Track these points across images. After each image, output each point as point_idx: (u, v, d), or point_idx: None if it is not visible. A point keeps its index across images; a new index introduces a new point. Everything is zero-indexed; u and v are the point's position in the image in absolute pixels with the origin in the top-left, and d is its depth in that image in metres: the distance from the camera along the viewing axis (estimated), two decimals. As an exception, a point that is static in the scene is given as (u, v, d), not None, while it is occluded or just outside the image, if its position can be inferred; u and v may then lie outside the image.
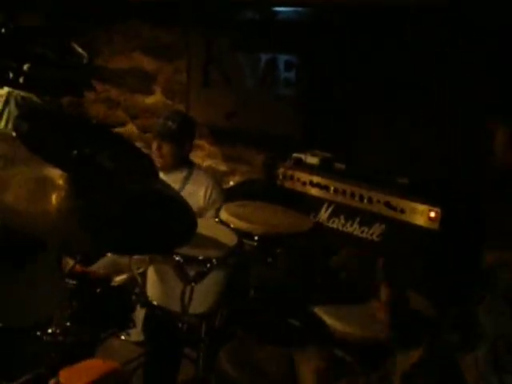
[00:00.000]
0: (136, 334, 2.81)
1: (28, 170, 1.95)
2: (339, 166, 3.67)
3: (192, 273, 2.44)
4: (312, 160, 3.68)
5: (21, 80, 1.53)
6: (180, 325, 2.50)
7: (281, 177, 3.69)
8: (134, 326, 2.73)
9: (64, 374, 1.97)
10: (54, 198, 1.97)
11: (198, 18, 4.70)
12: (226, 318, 2.75)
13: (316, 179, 3.58)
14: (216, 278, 2.52)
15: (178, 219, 2.26)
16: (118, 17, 5.20)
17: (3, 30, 1.56)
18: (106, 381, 2.07)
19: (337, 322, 2.58)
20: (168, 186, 2.42)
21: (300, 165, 3.70)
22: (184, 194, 3.49)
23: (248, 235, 2.73)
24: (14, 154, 1.94)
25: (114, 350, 3.00)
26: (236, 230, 2.73)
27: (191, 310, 2.48)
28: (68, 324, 2.80)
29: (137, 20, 5.15)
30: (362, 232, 3.43)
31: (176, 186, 3.56)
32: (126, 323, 2.77)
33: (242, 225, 2.74)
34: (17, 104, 2.17)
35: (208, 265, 2.46)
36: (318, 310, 2.66)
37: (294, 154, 3.74)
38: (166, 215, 2.23)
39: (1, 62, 1.47)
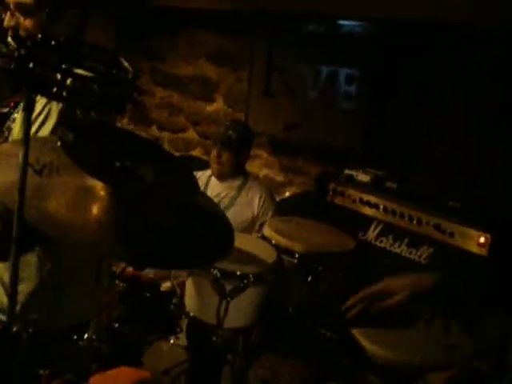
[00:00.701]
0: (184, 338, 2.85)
1: (71, 178, 1.93)
2: (391, 184, 3.63)
3: (229, 287, 2.46)
4: (363, 177, 3.66)
5: (64, 94, 1.56)
6: (214, 338, 2.51)
7: (331, 193, 3.67)
8: (181, 330, 2.78)
9: (94, 381, 2.01)
10: (95, 208, 1.99)
11: (262, 28, 4.73)
12: (264, 334, 2.76)
13: (366, 197, 3.55)
14: (253, 294, 2.53)
15: (217, 233, 2.27)
16: (184, 24, 5.29)
17: (53, 42, 1.58)
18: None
19: (374, 345, 2.56)
20: (208, 199, 2.45)
21: (351, 182, 3.68)
22: (239, 201, 3.57)
23: (289, 252, 2.73)
24: (59, 162, 1.97)
25: (162, 353, 3.05)
26: (277, 247, 2.74)
27: (226, 324, 2.49)
28: (105, 331, 2.88)
29: (203, 28, 5.22)
30: (410, 253, 3.38)
31: (231, 193, 3.64)
32: (173, 328, 2.83)
33: (283, 241, 2.75)
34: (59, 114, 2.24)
35: (245, 281, 2.47)
36: (357, 332, 2.64)
37: (346, 171, 3.73)
38: (204, 229, 2.24)
39: (45, 75, 1.50)
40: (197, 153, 5.39)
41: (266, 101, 4.85)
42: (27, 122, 1.62)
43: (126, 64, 2.01)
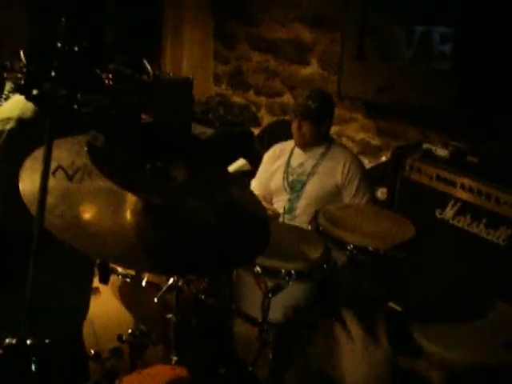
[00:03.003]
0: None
1: (103, 182, 1.85)
2: (471, 159, 3.44)
3: (270, 284, 2.45)
4: (442, 152, 3.50)
5: (75, 106, 1.57)
6: (262, 333, 2.52)
7: (408, 168, 3.54)
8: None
9: (128, 380, 2.08)
10: (126, 215, 1.97)
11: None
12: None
13: (443, 174, 3.40)
14: (296, 290, 2.51)
15: (252, 230, 2.21)
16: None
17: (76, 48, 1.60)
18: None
19: (437, 346, 2.43)
20: (244, 191, 2.37)
21: (429, 157, 3.53)
22: (320, 170, 3.52)
23: (341, 243, 2.67)
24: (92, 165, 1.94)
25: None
26: (329, 238, 2.69)
27: (272, 319, 2.49)
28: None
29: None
30: (488, 234, 3.22)
31: (312, 162, 3.58)
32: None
33: (336, 231, 2.69)
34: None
35: (286, 277, 2.45)
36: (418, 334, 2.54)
37: (424, 145, 3.58)
38: (241, 226, 2.18)
39: (53, 90, 1.52)
40: (294, 117, 5.34)
41: (359, 63, 4.71)
42: (49, 136, 1.59)
43: (148, 67, 2.01)
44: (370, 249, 2.65)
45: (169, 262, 1.86)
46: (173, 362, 2.54)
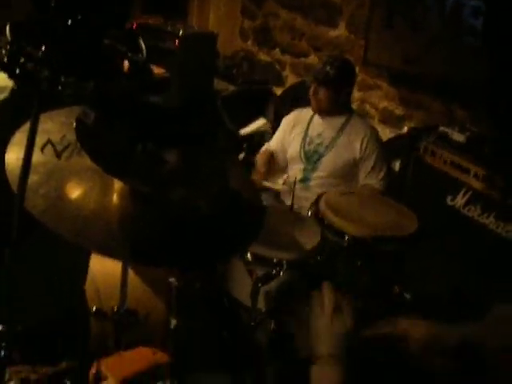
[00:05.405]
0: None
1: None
2: (488, 147, 3.32)
3: (260, 273, 2.41)
4: (459, 137, 3.38)
5: (58, 88, 1.51)
6: (251, 319, 2.48)
7: (422, 151, 3.43)
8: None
9: (106, 363, 2.02)
10: (114, 196, 1.88)
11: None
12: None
13: (457, 160, 3.29)
14: (287, 278, 2.47)
15: (246, 218, 2.13)
16: None
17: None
18: (152, 373, 2.13)
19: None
20: (239, 178, 2.27)
21: (445, 141, 3.41)
22: (339, 143, 3.44)
23: (340, 233, 2.61)
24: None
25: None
26: (328, 227, 2.63)
27: (260, 306, 2.46)
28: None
29: None
30: (497, 227, 3.13)
31: (331, 133, 3.50)
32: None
33: (336, 221, 2.62)
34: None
35: (277, 268, 2.41)
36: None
37: (441, 128, 3.46)
38: (232, 216, 2.10)
39: (34, 69, 1.46)
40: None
41: (387, 31, 4.55)
42: (35, 115, 1.52)
43: (142, 45, 1.92)
44: (368, 241, 2.58)
45: (152, 253, 1.80)
46: (172, 326, 2.48)
